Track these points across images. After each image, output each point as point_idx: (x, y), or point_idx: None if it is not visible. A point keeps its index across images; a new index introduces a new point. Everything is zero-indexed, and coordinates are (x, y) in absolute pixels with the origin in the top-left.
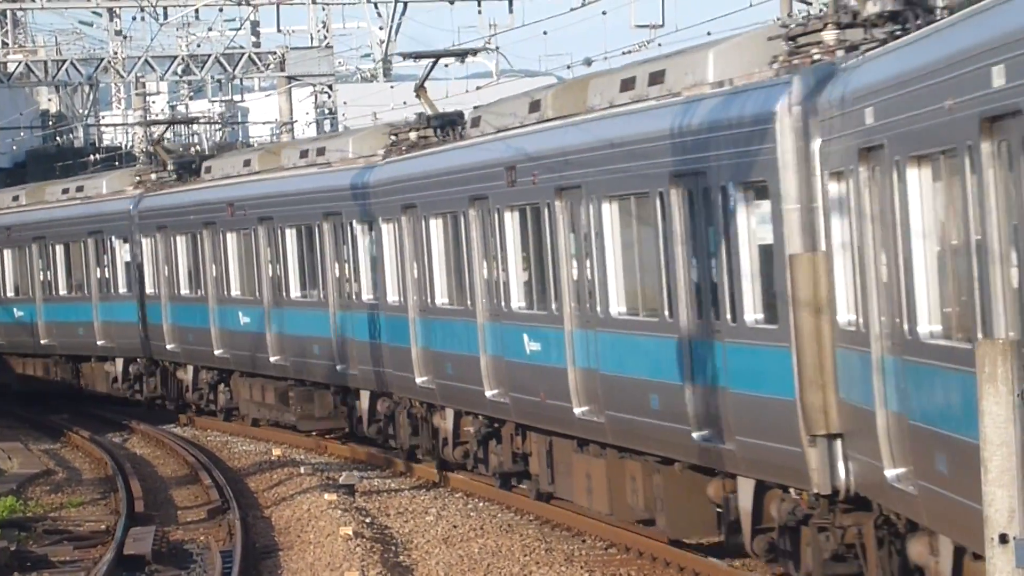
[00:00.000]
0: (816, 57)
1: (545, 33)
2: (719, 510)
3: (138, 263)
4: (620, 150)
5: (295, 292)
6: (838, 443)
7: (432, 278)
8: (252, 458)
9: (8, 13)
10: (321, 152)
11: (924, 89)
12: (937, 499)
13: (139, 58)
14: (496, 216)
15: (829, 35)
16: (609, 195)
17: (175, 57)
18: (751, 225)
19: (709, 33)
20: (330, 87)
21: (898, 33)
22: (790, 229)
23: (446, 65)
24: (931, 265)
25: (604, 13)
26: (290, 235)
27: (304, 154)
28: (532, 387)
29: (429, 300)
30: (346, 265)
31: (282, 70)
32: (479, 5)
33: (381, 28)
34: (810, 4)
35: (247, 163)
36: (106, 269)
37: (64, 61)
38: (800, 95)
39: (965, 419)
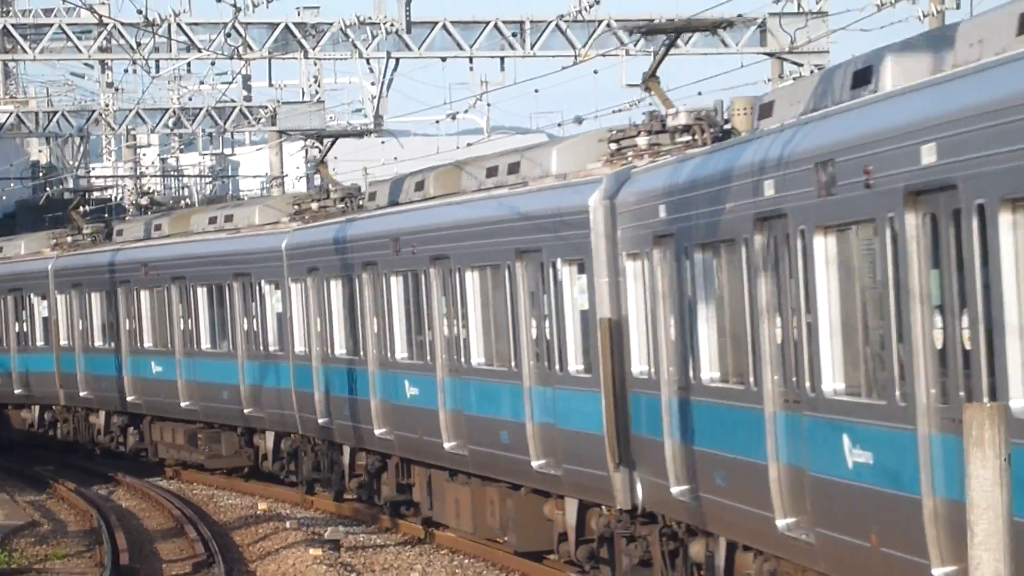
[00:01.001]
0: (630, 158)
1: (536, 91)
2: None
3: (55, 318)
4: (480, 228)
5: (205, 344)
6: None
7: (332, 332)
8: (238, 512)
9: (0, 64)
10: (229, 219)
11: (710, 194)
12: (716, 506)
13: (130, 110)
14: (384, 280)
15: (642, 140)
16: (471, 265)
17: (166, 110)
18: (574, 294)
19: (700, 93)
20: (321, 141)
21: (690, 142)
22: (601, 298)
23: (437, 121)
24: (712, 326)
25: (595, 72)
26: (201, 293)
27: (213, 220)
28: (412, 426)
29: (330, 351)
30: (254, 320)
31: (273, 124)
32: (471, 62)
33: (373, 84)
34: (801, 65)
35: (158, 227)
36: (24, 324)
37: (55, 112)
38: (608, 192)
39: (739, 443)
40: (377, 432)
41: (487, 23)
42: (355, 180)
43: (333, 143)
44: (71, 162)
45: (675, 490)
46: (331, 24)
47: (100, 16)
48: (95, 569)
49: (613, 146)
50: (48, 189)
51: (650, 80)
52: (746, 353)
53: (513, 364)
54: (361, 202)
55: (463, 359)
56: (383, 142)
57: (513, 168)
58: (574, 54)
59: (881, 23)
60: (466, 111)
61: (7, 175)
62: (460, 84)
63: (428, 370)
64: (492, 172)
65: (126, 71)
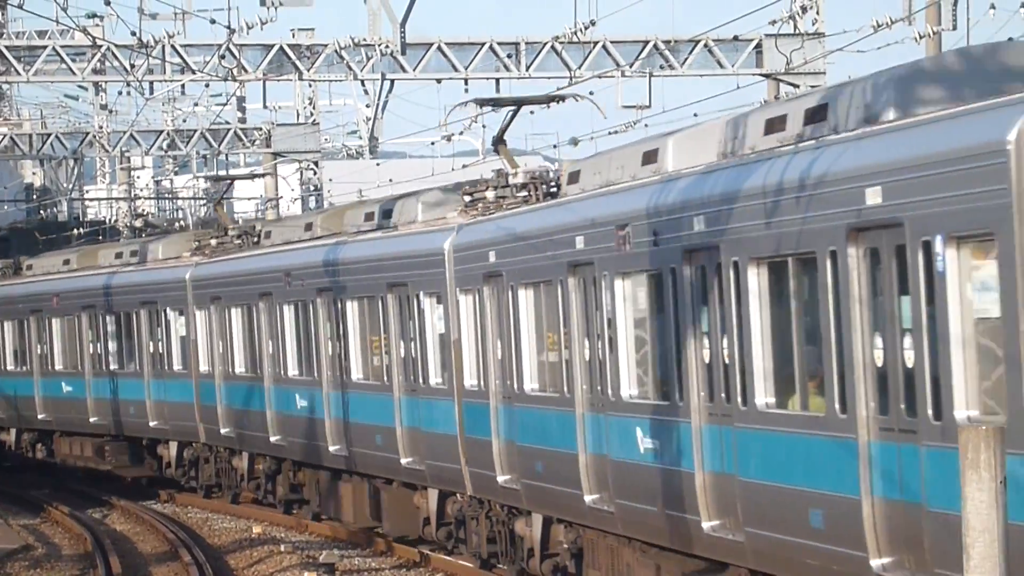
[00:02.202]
0: (480, 208)
1: (532, 113)
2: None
3: None
4: (358, 265)
5: (114, 365)
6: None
7: (233, 352)
8: (232, 535)
9: None
10: (134, 253)
11: (533, 243)
12: (535, 490)
13: (124, 132)
14: (278, 308)
15: (490, 194)
16: (351, 296)
17: (160, 132)
18: (434, 320)
19: (696, 115)
20: (316, 164)
21: (527, 197)
22: (453, 324)
23: (432, 143)
24: (533, 347)
25: (591, 93)
26: (109, 320)
27: (119, 255)
28: (302, 433)
29: (230, 369)
30: (160, 343)
31: (268, 146)
32: (466, 84)
33: (368, 105)
34: (797, 86)
35: (67, 262)
36: None
37: (49, 135)
38: (459, 239)
39: (555, 438)
40: (272, 439)
41: (482, 44)
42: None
43: (230, 185)
44: (65, 184)
45: (501, 479)
46: (326, 45)
47: (94, 38)
48: None
49: (467, 198)
50: (42, 212)
51: (498, 144)
52: (561, 368)
53: (386, 379)
54: (257, 240)
55: (345, 375)
56: (378, 164)
57: (387, 214)
58: (569, 75)
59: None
60: (461, 133)
61: (1, 198)
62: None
63: (316, 385)
64: (369, 217)
65: (120, 93)
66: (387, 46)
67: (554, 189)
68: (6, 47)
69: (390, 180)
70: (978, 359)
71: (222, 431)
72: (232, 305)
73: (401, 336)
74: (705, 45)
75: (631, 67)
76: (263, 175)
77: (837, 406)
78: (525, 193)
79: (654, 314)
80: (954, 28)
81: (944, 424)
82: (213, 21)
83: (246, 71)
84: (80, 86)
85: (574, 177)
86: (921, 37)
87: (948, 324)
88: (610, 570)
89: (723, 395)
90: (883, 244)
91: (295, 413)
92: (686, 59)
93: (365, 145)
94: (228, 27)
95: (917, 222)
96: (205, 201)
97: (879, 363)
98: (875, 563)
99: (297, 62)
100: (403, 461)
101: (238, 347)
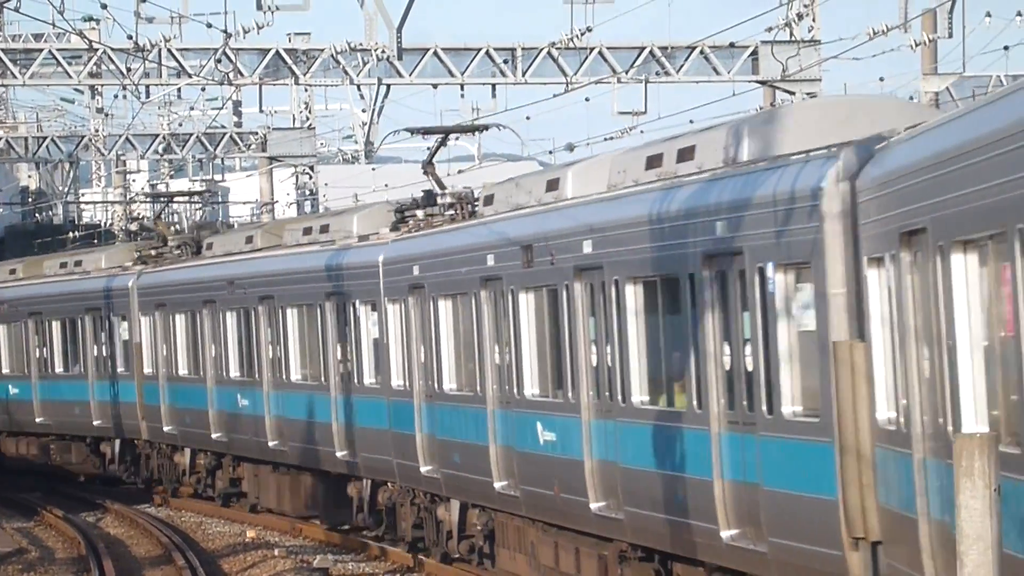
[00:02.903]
0: (411, 225)
1: (528, 118)
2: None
3: None
4: (299, 275)
5: (59, 368)
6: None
7: (177, 355)
8: (226, 539)
9: None
10: (79, 263)
11: (451, 259)
12: (453, 478)
13: (120, 136)
14: (221, 314)
15: (420, 212)
16: (290, 304)
17: (156, 135)
18: (369, 326)
19: (692, 121)
20: (311, 168)
21: (453, 215)
22: (383, 330)
23: (428, 148)
24: (452, 351)
25: (587, 100)
26: (56, 326)
27: (64, 264)
28: (242, 429)
29: (175, 371)
30: (104, 347)
31: (264, 150)
32: (462, 89)
33: (364, 110)
34: (793, 93)
35: (12, 271)
36: None
37: (45, 138)
38: (389, 253)
39: (468, 431)
40: (214, 436)
41: (478, 50)
42: (347, 206)
43: (168, 202)
44: (61, 187)
45: (423, 468)
46: (322, 50)
47: (90, 41)
48: None
49: (398, 215)
50: (37, 215)
51: (427, 165)
52: (475, 370)
53: (323, 379)
54: (199, 251)
55: (284, 376)
56: (374, 168)
57: (325, 228)
58: (566, 81)
59: (873, 51)
60: (457, 138)
61: None
62: (451, 111)
63: (257, 385)
64: (308, 231)
65: (116, 96)
66: (383, 51)
67: (477, 209)
68: (2, 50)
69: (386, 185)
70: (801, 365)
71: (165, 429)
72: (176, 311)
73: (338, 340)
74: (701, 52)
75: (627, 73)
76: (201, 192)
77: (695, 403)
78: (452, 212)
79: (552, 324)
80: (950, 36)
81: (775, 418)
82: (209, 25)
83: (242, 75)
84: (76, 89)
85: (489, 200)
86: (917, 45)
87: (778, 336)
88: (517, 548)
89: (607, 393)
90: (729, 269)
91: (236, 411)
92: (682, 65)
93: (361, 150)
94: (224, 31)
95: (753, 251)
96: (200, 205)
97: (727, 367)
98: (724, 534)
99: (293, 66)
100: (338, 454)
101: (181, 350)
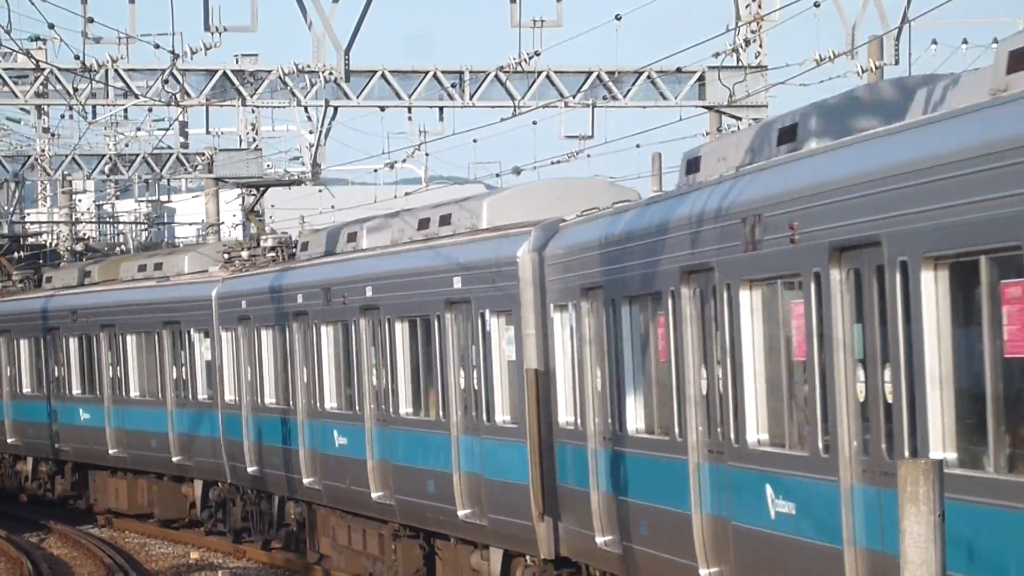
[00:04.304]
0: (237, 264)
1: (475, 141)
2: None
3: None
4: (133, 306)
5: None
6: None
7: (21, 376)
8: (170, 560)
9: None
10: None
11: (270, 296)
12: (272, 476)
13: (66, 156)
14: (64, 341)
15: (245, 253)
16: (131, 331)
17: (103, 156)
18: (202, 349)
19: (638, 145)
20: (258, 189)
21: (275, 257)
22: (216, 353)
23: (375, 170)
24: (271, 373)
25: (535, 123)
26: None
27: None
28: (83, 440)
29: (19, 390)
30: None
31: (210, 171)
32: (409, 112)
33: (311, 132)
34: (739, 119)
35: None
36: None
37: None
38: (222, 289)
39: (281, 438)
40: (56, 445)
41: (426, 73)
42: (292, 228)
43: (13, 241)
44: (6, 207)
45: (249, 469)
46: (269, 72)
47: (37, 61)
48: None
49: (226, 255)
50: None
51: (250, 214)
52: (288, 387)
53: (160, 395)
54: (41, 283)
55: (125, 393)
56: (320, 191)
57: (159, 266)
58: (513, 104)
59: (820, 78)
60: (404, 160)
61: None
62: (399, 133)
63: (98, 402)
64: (143, 268)
65: (63, 116)
66: (331, 73)
67: (296, 252)
68: None
69: (332, 207)
70: (508, 385)
71: (9, 440)
72: (21, 337)
73: (174, 362)
74: (648, 77)
75: (574, 97)
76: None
77: (441, 414)
78: (273, 254)
79: (345, 351)
80: (896, 63)
81: (491, 424)
82: (157, 46)
83: (189, 96)
84: (22, 109)
85: (304, 246)
86: (863, 71)
87: (492, 363)
88: (323, 530)
89: (384, 407)
90: (463, 313)
91: (78, 424)
92: (629, 90)
93: (308, 171)
94: (172, 52)
95: (478, 301)
96: (147, 226)
97: (462, 387)
98: (460, 513)
99: (240, 88)
100: (174, 459)
101: (25, 372)
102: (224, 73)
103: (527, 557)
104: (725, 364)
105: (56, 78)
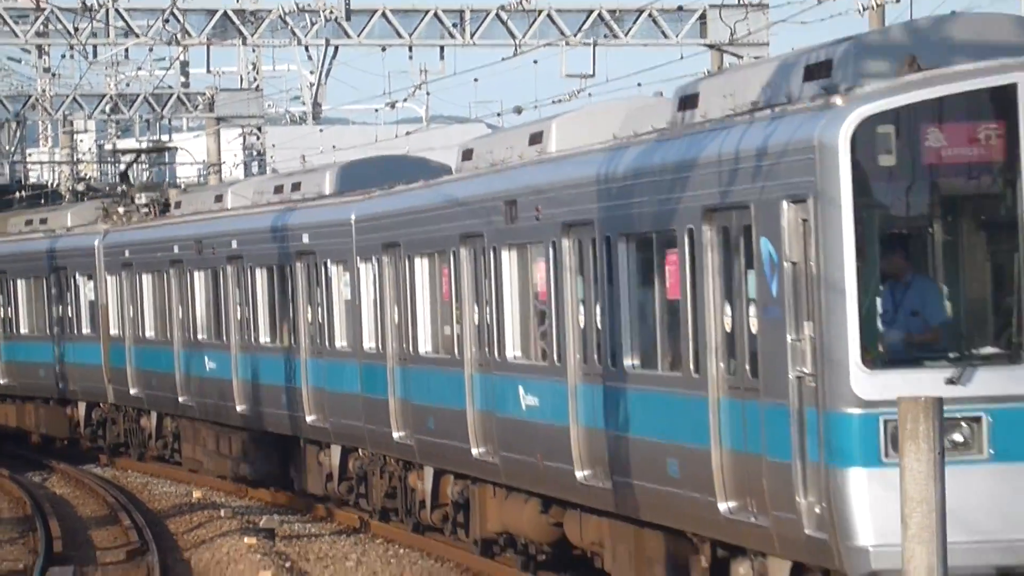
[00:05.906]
0: (115, 219)
1: (476, 80)
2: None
3: None
4: (27, 255)
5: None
6: None
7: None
8: (172, 500)
9: None
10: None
11: (148, 246)
12: (153, 398)
13: (67, 96)
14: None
15: (121, 208)
16: (21, 277)
17: (104, 96)
18: (86, 292)
19: (639, 84)
20: (259, 129)
21: (147, 213)
22: (102, 295)
23: (376, 109)
24: (151, 312)
25: (535, 62)
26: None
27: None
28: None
29: (15, 331)
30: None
31: (211, 111)
32: (410, 51)
33: (311, 71)
34: (741, 57)
35: None
36: None
37: None
38: (104, 240)
39: (163, 364)
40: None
41: (427, 12)
42: (295, 168)
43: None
44: (7, 148)
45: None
46: (270, 11)
47: (37, 1)
48: (29, 556)
49: (103, 211)
50: None
51: (123, 177)
52: (167, 324)
53: (48, 331)
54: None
55: (14, 330)
56: (321, 130)
57: (43, 221)
58: (514, 43)
59: (821, 15)
60: (405, 100)
61: None
62: (400, 72)
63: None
64: (29, 223)
65: (63, 56)
66: (331, 12)
67: (167, 207)
68: None
69: (333, 147)
70: (347, 319)
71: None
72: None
73: (59, 302)
74: (650, 15)
75: (575, 36)
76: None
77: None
78: (147, 210)
79: (214, 293)
80: (897, 0)
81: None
82: None
83: (190, 35)
84: (23, 49)
85: (178, 204)
86: (864, 9)
87: (333, 302)
88: (195, 439)
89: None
90: (309, 263)
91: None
92: (630, 29)
93: (308, 111)
94: None
95: (321, 252)
96: (147, 165)
97: (309, 320)
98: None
99: (241, 27)
100: (60, 385)
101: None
102: (225, 12)
103: (359, 450)
104: (491, 304)
105: (57, 18)
